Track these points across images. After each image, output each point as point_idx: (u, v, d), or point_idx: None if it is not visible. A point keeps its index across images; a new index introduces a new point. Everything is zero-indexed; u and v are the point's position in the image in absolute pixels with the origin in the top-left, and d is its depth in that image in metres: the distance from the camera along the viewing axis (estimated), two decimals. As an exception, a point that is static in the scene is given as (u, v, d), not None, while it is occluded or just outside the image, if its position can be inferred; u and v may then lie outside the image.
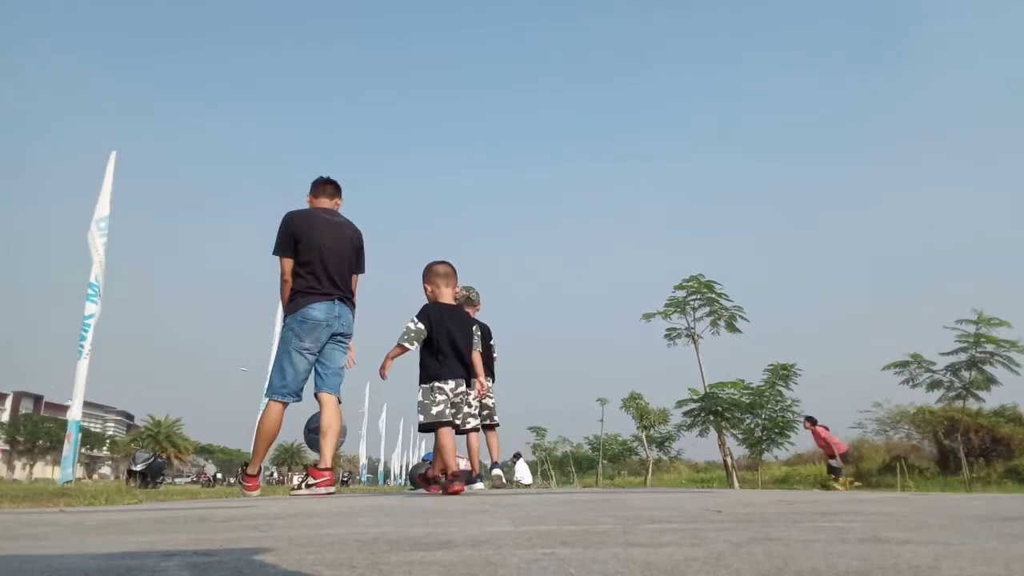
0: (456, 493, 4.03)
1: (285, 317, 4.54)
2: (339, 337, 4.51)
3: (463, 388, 4.31)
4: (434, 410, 4.24)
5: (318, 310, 4.40)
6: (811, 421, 13.76)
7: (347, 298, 4.57)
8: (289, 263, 4.49)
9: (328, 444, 4.37)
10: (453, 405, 4.26)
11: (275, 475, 66.91)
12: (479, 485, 5.34)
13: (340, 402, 4.50)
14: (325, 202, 4.79)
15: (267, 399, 4.45)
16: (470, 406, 4.62)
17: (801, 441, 14.79)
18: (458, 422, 4.35)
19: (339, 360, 4.53)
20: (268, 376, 4.52)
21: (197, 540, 1.67)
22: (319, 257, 4.47)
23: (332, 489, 4.46)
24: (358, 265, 4.69)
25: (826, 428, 13.88)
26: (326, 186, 4.83)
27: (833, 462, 14.11)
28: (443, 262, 4.54)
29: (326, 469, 4.40)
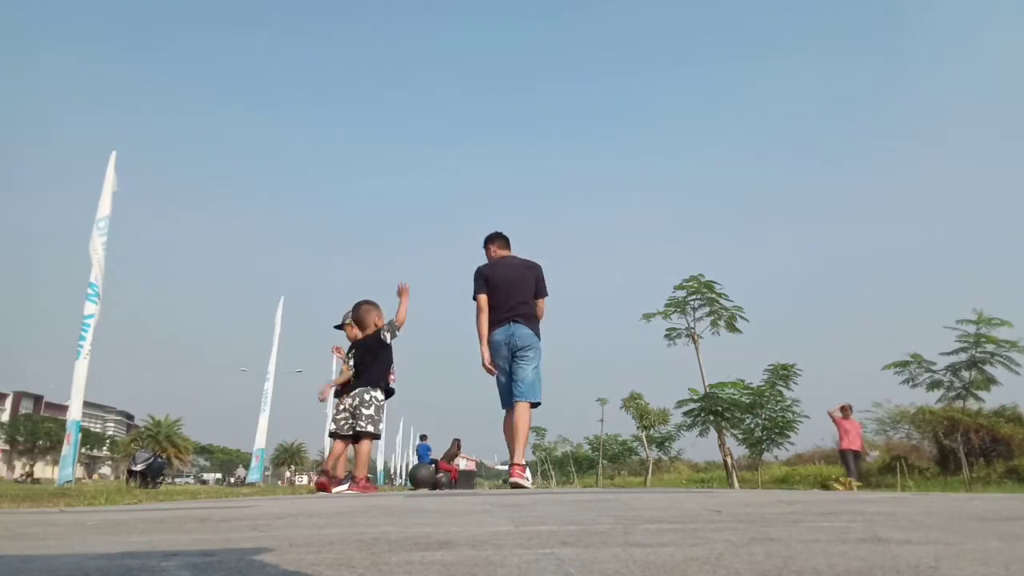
0: (320, 487, 5.18)
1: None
2: (519, 352, 5.17)
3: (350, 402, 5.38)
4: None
5: (496, 334, 5.23)
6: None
7: (522, 317, 5.28)
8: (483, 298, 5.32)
9: (518, 443, 4.98)
10: (352, 416, 5.30)
11: (288, 475, 66.92)
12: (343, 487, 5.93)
13: (532, 407, 5.17)
14: (503, 251, 5.62)
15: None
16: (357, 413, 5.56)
17: (801, 441, 14.59)
18: (360, 429, 5.34)
19: (520, 372, 5.15)
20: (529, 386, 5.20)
21: (197, 540, 1.67)
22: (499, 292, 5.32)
23: (522, 480, 4.87)
24: (538, 290, 5.40)
25: (844, 415, 12.57)
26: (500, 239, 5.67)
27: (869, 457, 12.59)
28: (363, 304, 5.69)
29: (518, 464, 4.92)
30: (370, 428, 5.25)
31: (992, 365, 11.91)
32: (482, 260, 5.67)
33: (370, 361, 5.40)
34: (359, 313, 5.54)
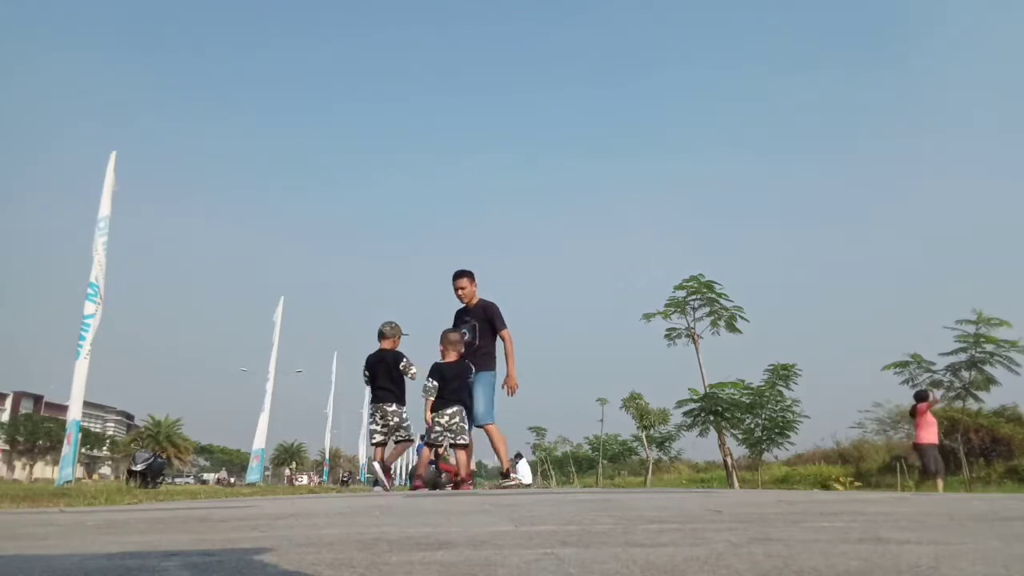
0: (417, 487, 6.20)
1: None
2: None
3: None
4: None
5: None
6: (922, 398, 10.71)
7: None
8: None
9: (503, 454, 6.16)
10: (450, 431, 5.93)
11: (288, 474, 67.02)
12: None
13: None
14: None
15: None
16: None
17: (801, 441, 14.49)
18: (464, 442, 6.03)
19: None
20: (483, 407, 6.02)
21: (197, 540, 1.67)
22: None
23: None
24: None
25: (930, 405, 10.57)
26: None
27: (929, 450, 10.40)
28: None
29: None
30: (468, 439, 6.16)
31: (992, 365, 11.91)
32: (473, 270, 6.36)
33: (462, 385, 6.07)
34: (454, 339, 6.16)
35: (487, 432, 6.01)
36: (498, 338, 6.08)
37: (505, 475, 6.13)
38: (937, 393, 11.55)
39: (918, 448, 10.57)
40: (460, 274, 6.25)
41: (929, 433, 10.36)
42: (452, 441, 6.03)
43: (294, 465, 73.09)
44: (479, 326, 6.09)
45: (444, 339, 6.10)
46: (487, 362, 6.06)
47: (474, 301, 6.23)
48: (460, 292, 6.20)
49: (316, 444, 65.56)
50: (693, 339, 13.99)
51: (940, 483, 10.05)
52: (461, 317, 6.25)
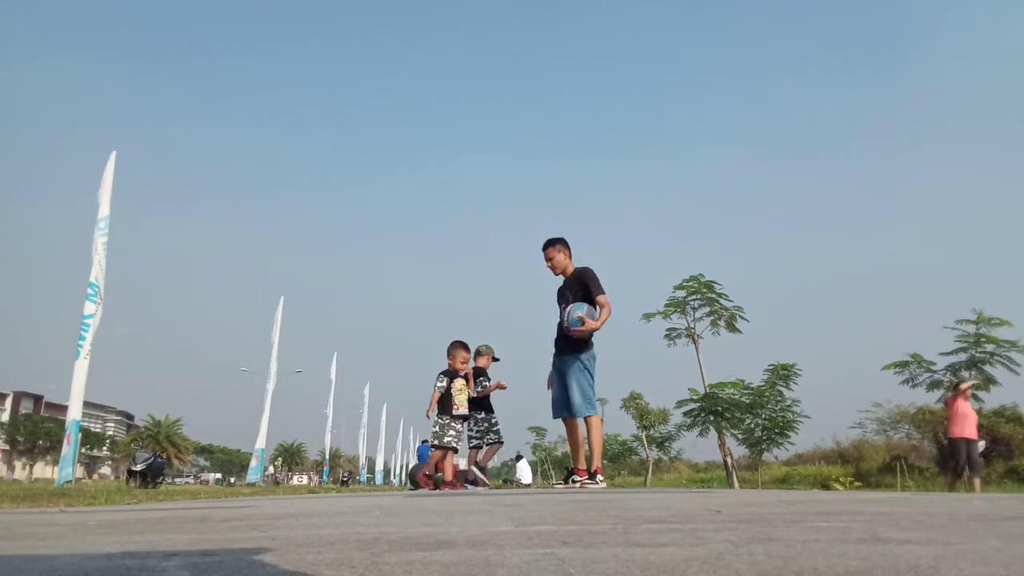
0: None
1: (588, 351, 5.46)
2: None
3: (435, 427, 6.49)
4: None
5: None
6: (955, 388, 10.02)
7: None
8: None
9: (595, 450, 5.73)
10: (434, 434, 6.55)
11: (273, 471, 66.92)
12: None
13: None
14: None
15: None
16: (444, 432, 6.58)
17: (801, 441, 14.49)
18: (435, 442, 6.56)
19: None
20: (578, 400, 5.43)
21: (197, 540, 1.67)
22: None
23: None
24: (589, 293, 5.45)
25: (961, 395, 9.80)
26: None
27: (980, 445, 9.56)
28: (459, 342, 6.56)
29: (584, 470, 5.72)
30: (440, 443, 6.54)
31: (992, 365, 11.94)
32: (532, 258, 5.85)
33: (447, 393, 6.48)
34: (456, 352, 6.53)
35: (586, 424, 5.40)
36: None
37: (591, 475, 5.34)
38: (966, 377, 11.02)
39: (952, 443, 9.63)
40: (548, 244, 5.56)
41: (962, 427, 9.42)
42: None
43: (279, 462, 71.91)
44: (577, 298, 5.35)
45: (449, 352, 6.62)
46: (581, 341, 5.33)
47: (569, 271, 5.53)
48: (549, 264, 5.54)
49: (316, 444, 65.66)
50: (693, 339, 14.01)
51: (957, 483, 9.49)
52: (563, 293, 5.50)
